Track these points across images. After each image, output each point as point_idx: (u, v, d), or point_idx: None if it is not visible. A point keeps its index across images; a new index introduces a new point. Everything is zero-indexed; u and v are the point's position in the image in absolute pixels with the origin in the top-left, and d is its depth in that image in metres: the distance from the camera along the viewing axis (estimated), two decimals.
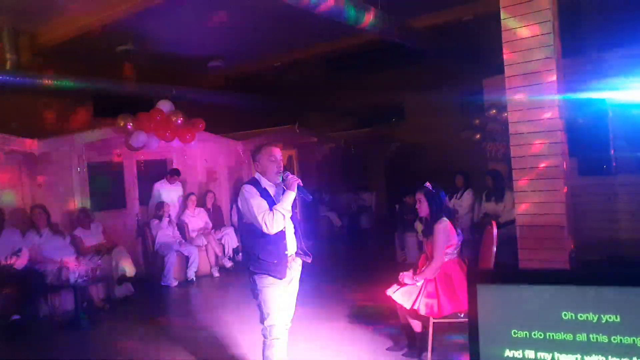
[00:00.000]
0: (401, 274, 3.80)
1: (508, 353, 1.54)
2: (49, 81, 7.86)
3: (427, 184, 3.82)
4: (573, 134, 4.16)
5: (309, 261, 3.25)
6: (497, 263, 3.67)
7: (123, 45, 8.82)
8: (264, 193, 3.06)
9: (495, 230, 3.67)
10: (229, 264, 7.84)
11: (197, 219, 7.86)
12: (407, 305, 3.59)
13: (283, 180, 3.11)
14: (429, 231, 3.75)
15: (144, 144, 7.12)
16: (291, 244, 3.13)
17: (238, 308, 5.47)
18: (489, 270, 3.31)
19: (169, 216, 7.42)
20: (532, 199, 3.82)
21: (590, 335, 1.47)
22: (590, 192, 5.44)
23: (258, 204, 2.97)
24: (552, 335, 1.51)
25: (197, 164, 8.61)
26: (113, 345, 4.71)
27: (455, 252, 3.72)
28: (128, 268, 6.29)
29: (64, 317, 5.62)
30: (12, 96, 8.51)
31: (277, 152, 3.16)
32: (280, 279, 3.03)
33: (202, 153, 8.61)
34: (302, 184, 3.10)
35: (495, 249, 3.60)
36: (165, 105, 7.49)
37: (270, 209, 2.97)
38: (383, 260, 7.53)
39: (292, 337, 3.34)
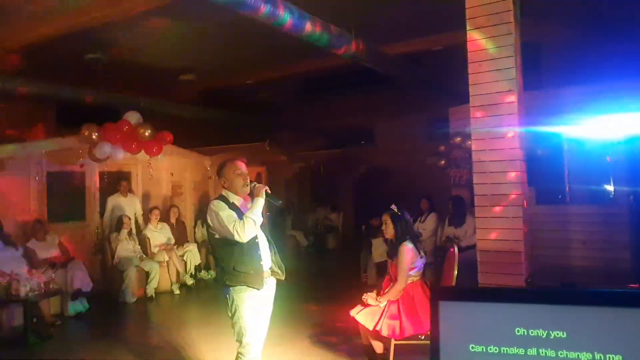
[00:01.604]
0: (365, 294, 3.83)
1: None
2: (12, 86, 7.63)
3: (393, 206, 3.89)
4: (532, 164, 4.33)
5: (282, 278, 3.23)
6: (458, 285, 3.73)
7: (92, 54, 8.69)
8: (232, 206, 3.06)
9: (456, 254, 3.75)
10: (190, 281, 7.68)
11: (159, 234, 7.70)
12: (370, 326, 3.61)
13: (250, 190, 3.11)
14: (393, 253, 3.80)
15: (108, 155, 6.97)
16: (265, 258, 3.12)
17: (198, 326, 5.37)
18: (452, 287, 3.40)
19: (130, 230, 7.24)
20: (493, 225, 3.94)
21: (540, 350, 1.58)
22: (546, 220, 5.65)
23: (228, 215, 2.97)
24: (506, 350, 1.61)
25: (163, 177, 8.47)
26: None
27: (419, 274, 3.78)
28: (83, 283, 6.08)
29: (11, 333, 5.34)
30: None
31: (242, 166, 3.17)
32: (258, 289, 3.01)
33: (168, 166, 8.48)
34: (269, 191, 3.11)
35: (456, 272, 3.68)
36: (132, 117, 7.37)
37: (241, 219, 2.97)
38: (348, 281, 7.55)
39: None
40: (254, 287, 3.00)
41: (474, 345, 1.62)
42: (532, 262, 4.02)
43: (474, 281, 3.94)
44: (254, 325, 3.03)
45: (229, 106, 11.47)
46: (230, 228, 2.92)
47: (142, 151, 7.30)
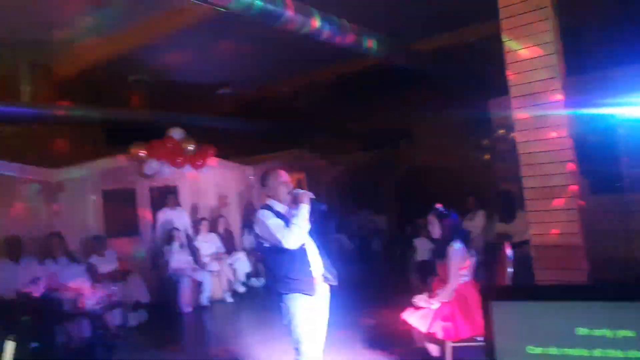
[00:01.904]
0: (415, 297, 3.80)
1: None
2: (64, 111, 8.06)
3: (438, 205, 3.84)
4: (583, 152, 4.17)
5: (335, 283, 3.25)
6: (514, 284, 3.64)
7: (135, 75, 9.06)
8: (278, 214, 3.12)
9: (508, 251, 3.66)
10: (241, 288, 7.84)
11: (209, 244, 7.89)
12: (423, 329, 3.57)
13: (294, 197, 3.16)
14: (442, 253, 3.75)
15: (156, 172, 7.23)
16: (315, 265, 3.15)
17: (253, 333, 5.46)
18: (503, 287, 3.31)
19: (181, 242, 7.47)
20: (544, 219, 3.82)
21: (606, 351, 1.48)
22: (603, 210, 5.40)
23: (275, 223, 3.02)
24: (568, 352, 1.52)
25: (209, 189, 8.69)
26: None
27: (470, 273, 3.72)
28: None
29: (80, 344, 5.63)
30: (28, 127, 8.74)
31: (284, 174, 3.25)
32: (311, 295, 3.04)
33: (213, 179, 8.70)
34: (313, 196, 3.15)
35: (510, 269, 3.59)
36: (177, 133, 7.63)
37: (287, 226, 3.02)
38: (396, 283, 7.48)
39: None
40: (306, 294, 3.03)
41: (531, 347, 1.54)
42: (592, 256, 3.87)
43: (529, 278, 3.83)
44: (311, 331, 3.05)
45: (265, 116, 11.65)
46: (278, 235, 2.97)
47: (188, 165, 7.55)
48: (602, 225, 5.18)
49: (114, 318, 6.04)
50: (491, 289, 2.12)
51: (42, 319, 5.30)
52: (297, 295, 3.03)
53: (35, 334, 5.18)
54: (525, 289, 1.82)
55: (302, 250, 3.07)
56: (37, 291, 5.44)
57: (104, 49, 7.65)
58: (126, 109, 9.17)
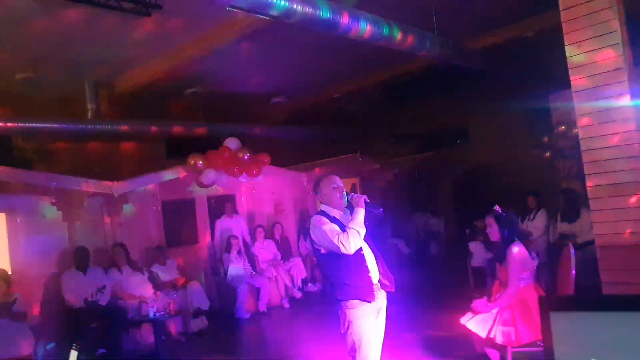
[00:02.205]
0: (475, 301, 3.67)
1: None
2: (125, 127, 8.48)
3: (496, 207, 3.70)
4: None
5: (393, 289, 3.16)
6: (578, 286, 3.45)
7: (191, 88, 9.40)
8: (333, 220, 3.07)
9: (572, 252, 3.46)
10: (298, 294, 7.90)
11: (266, 251, 8.02)
12: (483, 334, 3.45)
13: (349, 202, 3.11)
14: (502, 256, 3.60)
15: (213, 181, 7.45)
16: (372, 268, 3.07)
17: (311, 339, 5.48)
18: (563, 297, 3.11)
19: (239, 249, 7.63)
20: (610, 217, 3.58)
21: None
22: None
23: (331, 229, 2.97)
24: None
25: (264, 197, 8.85)
26: None
27: (531, 276, 3.55)
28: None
29: (145, 350, 5.88)
30: (92, 142, 9.28)
31: (338, 180, 3.18)
32: (370, 301, 2.96)
33: (268, 186, 8.84)
34: (368, 200, 3.08)
35: (574, 271, 3.39)
36: (232, 143, 7.83)
37: (343, 231, 2.96)
38: (455, 288, 7.27)
39: None
40: (365, 300, 2.96)
41: None
42: None
43: (594, 281, 3.60)
44: (368, 341, 2.97)
45: (319, 122, 11.72)
46: (335, 240, 2.91)
47: (244, 174, 7.72)
48: None
49: (176, 325, 6.26)
50: (551, 299, 1.97)
51: (109, 326, 5.57)
52: (355, 302, 2.96)
53: (102, 340, 5.46)
54: (588, 299, 1.67)
55: (359, 256, 3.00)
56: (103, 300, 5.73)
57: (161, 63, 8.00)
58: (183, 122, 9.52)
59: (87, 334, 5.52)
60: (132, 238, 6.90)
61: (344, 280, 2.96)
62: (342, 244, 2.89)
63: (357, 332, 2.96)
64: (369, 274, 3.01)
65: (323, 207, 3.18)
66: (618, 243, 3.50)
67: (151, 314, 5.57)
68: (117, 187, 6.79)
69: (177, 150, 9.66)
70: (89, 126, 8.58)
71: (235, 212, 8.22)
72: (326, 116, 12.02)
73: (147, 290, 6.17)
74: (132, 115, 9.28)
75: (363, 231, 2.99)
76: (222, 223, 7.92)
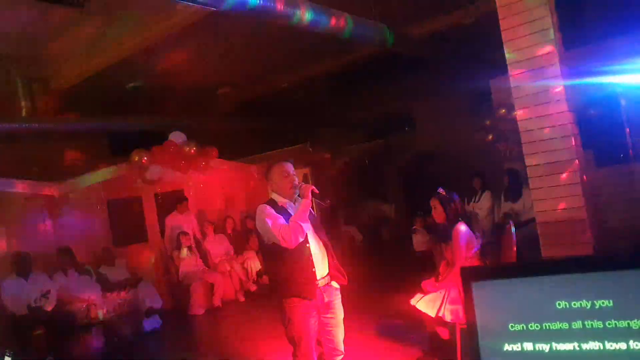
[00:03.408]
0: (423, 282, 3.77)
1: (507, 347, 1.54)
2: (63, 124, 8.08)
3: (440, 189, 3.80)
4: (585, 125, 4.10)
5: (345, 282, 3.07)
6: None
7: (133, 82, 9.05)
8: (280, 210, 2.96)
9: (513, 230, 3.62)
10: (253, 287, 7.85)
11: (218, 245, 7.91)
12: (432, 314, 3.56)
13: (299, 192, 3.01)
14: (447, 237, 3.71)
15: (159, 177, 7.24)
16: (320, 263, 2.97)
17: (266, 331, 5.46)
18: (482, 267, 3.27)
19: (190, 245, 7.48)
20: (548, 195, 3.77)
21: (585, 322, 1.47)
22: (610, 182, 5.33)
23: (273, 220, 2.86)
24: (548, 326, 1.51)
25: (214, 191, 8.70)
26: None
27: (477, 255, 3.68)
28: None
29: (95, 354, 5.67)
30: (29, 142, 8.78)
31: (289, 167, 3.07)
32: (311, 299, 2.88)
33: (218, 180, 8.70)
34: (317, 191, 2.95)
35: (515, 248, 3.55)
36: (177, 137, 7.63)
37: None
38: (406, 272, 7.45)
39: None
40: (305, 298, 2.87)
41: (513, 324, 1.53)
42: (598, 229, 3.82)
43: (538, 256, 3.79)
44: (308, 336, 2.91)
45: (267, 113, 11.61)
46: (277, 233, 2.81)
47: (191, 168, 7.55)
48: (609, 197, 5.12)
49: (128, 326, 6.08)
50: (470, 270, 2.10)
51: (56, 332, 5.35)
52: (295, 299, 2.89)
53: (49, 347, 5.24)
54: (504, 268, 1.82)
55: (305, 250, 2.89)
56: (48, 305, 5.49)
57: (100, 57, 7.64)
58: (126, 117, 9.16)
59: (32, 341, 5.27)
60: (77, 239, 6.64)
61: (285, 276, 2.88)
62: (283, 237, 2.79)
63: (297, 329, 2.90)
64: (313, 270, 2.91)
65: (273, 196, 3.07)
66: (556, 219, 3.69)
67: (100, 316, 5.41)
68: (57, 188, 6.48)
69: (121, 147, 9.29)
70: (24, 125, 8.10)
71: (186, 208, 8.05)
72: (274, 107, 11.92)
73: (96, 293, 5.96)
74: (71, 112, 8.83)
75: (307, 223, 2.90)
76: (172, 220, 7.74)
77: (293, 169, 3.10)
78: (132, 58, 7.66)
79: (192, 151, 7.52)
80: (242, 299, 7.54)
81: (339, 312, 3.08)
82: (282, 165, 3.08)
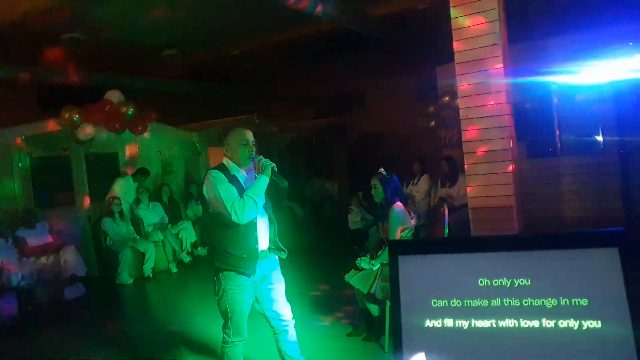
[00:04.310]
0: (358, 258, 3.81)
1: (428, 323, 1.57)
2: None
3: (381, 169, 3.83)
4: (521, 118, 4.25)
5: (284, 257, 2.99)
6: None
7: (70, 33, 8.42)
8: (233, 179, 2.79)
9: (447, 213, 3.71)
10: (187, 259, 7.68)
11: (152, 213, 7.64)
12: (364, 290, 3.61)
13: (255, 165, 2.86)
14: (384, 215, 3.75)
15: (91, 137, 6.83)
16: (263, 238, 2.87)
17: (196, 303, 5.37)
18: (409, 240, 3.34)
19: (121, 211, 7.16)
20: (482, 182, 3.90)
21: (504, 300, 1.52)
22: (538, 174, 5.62)
23: (226, 191, 2.70)
24: (469, 303, 1.55)
25: (152, 156, 8.36)
26: (60, 349, 4.45)
27: (411, 235, 3.75)
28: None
29: (7, 321, 5.32)
30: None
31: (249, 135, 2.89)
32: (249, 275, 2.78)
33: (155, 145, 8.35)
34: (276, 169, 2.85)
35: (447, 230, 3.64)
36: (114, 96, 7.20)
37: (241, 196, 2.71)
38: (345, 248, 7.56)
39: (250, 330, 3.07)
40: (244, 273, 2.77)
41: (435, 300, 1.56)
42: (525, 216, 4.00)
43: None
44: (242, 309, 2.85)
45: (216, 80, 11.25)
46: (228, 206, 2.65)
47: (127, 130, 7.17)
48: (537, 187, 5.41)
49: (47, 293, 5.76)
50: (398, 243, 2.12)
51: None
52: (233, 273, 2.78)
53: None
54: (431, 243, 1.84)
55: (250, 225, 2.76)
56: None
57: (32, 1, 7.03)
58: (58, 70, 8.54)
59: None
60: None
61: (225, 249, 2.76)
62: (235, 211, 2.65)
63: (231, 302, 2.82)
64: (256, 246, 2.81)
65: (225, 162, 2.88)
66: (487, 205, 3.83)
67: (14, 282, 5.08)
68: None
69: (51, 102, 8.68)
70: None
71: (123, 172, 7.68)
72: (223, 74, 11.57)
73: (11, 257, 5.56)
74: None
75: (262, 202, 2.78)
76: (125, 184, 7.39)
77: (253, 137, 2.92)
78: (70, 5, 7.11)
79: (130, 112, 7.12)
80: (173, 269, 7.35)
81: (280, 284, 3.02)
82: (241, 131, 2.89)
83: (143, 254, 7.01)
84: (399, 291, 1.58)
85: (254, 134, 2.96)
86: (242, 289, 2.82)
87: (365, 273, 3.71)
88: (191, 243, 7.95)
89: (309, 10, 5.95)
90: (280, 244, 3.00)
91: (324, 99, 12.69)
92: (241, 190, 2.75)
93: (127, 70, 9.45)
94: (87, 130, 6.65)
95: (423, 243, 1.91)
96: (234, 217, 2.67)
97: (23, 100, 9.05)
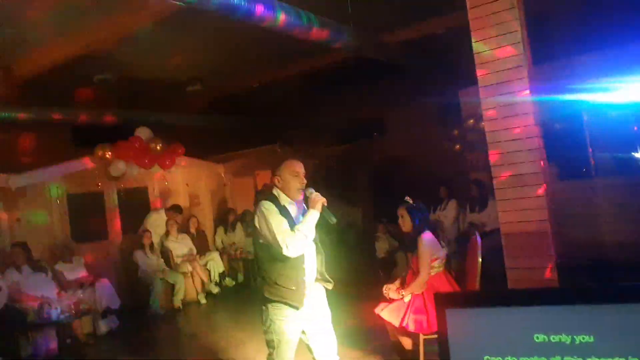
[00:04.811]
0: (385, 286, 3.73)
1: None
2: (25, 114, 7.76)
3: (407, 198, 3.80)
4: (551, 139, 4.19)
5: (330, 287, 2.97)
6: (486, 273, 3.64)
7: (100, 75, 8.76)
8: (284, 211, 2.79)
9: (479, 240, 3.65)
10: (215, 289, 7.71)
11: (181, 245, 7.74)
12: (396, 323, 3.53)
13: (306, 197, 2.86)
14: (413, 246, 3.71)
15: (123, 173, 7.03)
16: (310, 269, 2.87)
17: (227, 334, 5.37)
18: (458, 293, 3.24)
19: (151, 244, 7.28)
20: (513, 207, 3.82)
21: (565, 358, 1.40)
22: (571, 196, 5.47)
23: (278, 223, 2.71)
24: None
25: (179, 189, 8.51)
26: None
27: (442, 264, 3.69)
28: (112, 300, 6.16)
29: (47, 355, 5.43)
30: None
31: (300, 167, 2.90)
32: (297, 308, 2.77)
33: (183, 178, 8.52)
34: (325, 204, 2.83)
35: (480, 259, 3.58)
36: (143, 133, 7.43)
37: (292, 229, 2.72)
38: (372, 278, 7.46)
39: None
40: (292, 305, 2.76)
41: (489, 357, 1.45)
42: (560, 241, 3.90)
43: (501, 266, 3.83)
44: (288, 339, 2.83)
45: (237, 112, 11.47)
46: (279, 239, 2.66)
47: (156, 165, 7.36)
48: (571, 211, 5.24)
49: (83, 326, 5.85)
50: (445, 296, 2.03)
51: (5, 332, 5.09)
52: (281, 305, 2.78)
53: None
54: (481, 295, 1.72)
55: (299, 256, 2.76)
56: None
57: (66, 48, 7.36)
58: (91, 110, 8.88)
59: None
60: (33, 235, 6.35)
61: (275, 280, 2.75)
62: (287, 245, 2.66)
63: (278, 332, 2.81)
64: (304, 278, 2.80)
65: (275, 192, 2.89)
66: (521, 230, 3.74)
67: (54, 316, 5.19)
68: (14, 180, 6.19)
69: (85, 141, 8.99)
70: None
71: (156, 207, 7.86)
72: (244, 106, 11.80)
73: (51, 291, 5.71)
74: (34, 102, 8.48)
75: (312, 236, 2.78)
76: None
77: (303, 169, 2.93)
78: (100, 50, 7.44)
79: (158, 147, 7.33)
80: (203, 300, 7.38)
81: (326, 316, 2.99)
82: (293, 163, 2.92)
83: (173, 285, 7.09)
84: (449, 347, 1.50)
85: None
86: (290, 320, 2.81)
87: (396, 305, 3.63)
88: (219, 274, 7.99)
89: (327, 43, 6.07)
90: (326, 275, 2.99)
91: (344, 126, 12.76)
92: (292, 222, 2.77)
93: (155, 107, 9.74)
94: (119, 166, 6.86)
95: (471, 295, 1.81)
96: (284, 251, 2.68)
97: (59, 140, 9.40)
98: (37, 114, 8.30)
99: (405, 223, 3.73)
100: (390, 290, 3.67)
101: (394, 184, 10.24)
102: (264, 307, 2.85)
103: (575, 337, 1.39)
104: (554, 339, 1.41)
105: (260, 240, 2.81)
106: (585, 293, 1.44)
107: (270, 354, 2.88)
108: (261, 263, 2.87)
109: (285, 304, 2.77)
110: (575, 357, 1.39)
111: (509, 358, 1.45)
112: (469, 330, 1.49)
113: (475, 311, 1.51)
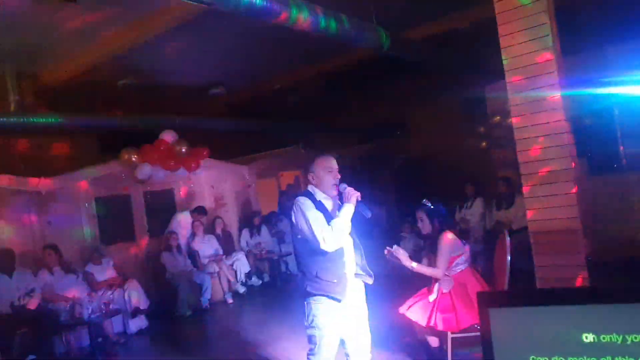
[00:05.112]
0: (395, 247, 3.57)
1: None
2: (52, 120, 7.94)
3: (426, 201, 3.75)
4: (580, 134, 4.06)
5: (370, 282, 3.00)
6: (513, 271, 3.56)
7: (124, 80, 8.93)
8: (320, 206, 2.84)
9: (507, 239, 3.58)
10: (242, 289, 7.76)
11: (207, 246, 7.81)
12: (423, 322, 3.49)
13: (340, 192, 2.89)
14: (434, 247, 3.64)
15: (149, 176, 7.14)
16: (350, 263, 2.91)
17: (256, 334, 5.39)
18: (501, 292, 3.17)
19: (178, 245, 7.38)
20: (543, 204, 3.73)
21: (616, 359, 1.35)
22: (603, 192, 5.31)
23: (315, 218, 2.75)
24: None
25: (204, 191, 8.60)
26: None
27: (467, 261, 3.63)
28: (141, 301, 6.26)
29: (79, 354, 5.57)
30: (17, 137, 8.62)
31: (333, 163, 2.94)
32: (340, 300, 2.80)
33: (208, 180, 8.61)
34: (360, 198, 2.87)
35: (509, 257, 3.50)
36: (168, 136, 7.53)
37: (329, 223, 2.75)
38: (395, 278, 7.40)
39: None
40: (334, 298, 2.79)
41: (535, 357, 1.40)
42: (591, 238, 3.79)
43: (529, 265, 3.75)
44: (330, 334, 2.84)
45: (260, 114, 11.53)
46: (317, 234, 2.71)
47: (181, 168, 7.45)
48: (602, 206, 5.09)
49: (114, 326, 5.98)
50: (488, 295, 1.96)
51: (39, 331, 5.23)
52: (324, 298, 2.81)
53: (32, 346, 5.12)
54: (525, 294, 1.65)
55: (339, 249, 2.81)
56: (32, 303, 5.37)
57: (90, 54, 7.53)
58: (116, 114, 9.05)
59: (15, 340, 5.15)
60: (64, 237, 6.50)
61: (316, 274, 2.79)
62: (325, 239, 2.70)
63: (320, 327, 2.83)
64: (345, 271, 2.84)
65: (310, 188, 2.93)
66: (549, 228, 3.65)
67: (85, 316, 5.31)
68: (44, 184, 6.35)
69: (111, 145, 9.16)
70: (12, 119, 7.94)
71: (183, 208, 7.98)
72: (267, 108, 11.85)
73: (82, 292, 5.87)
74: (60, 109, 8.69)
75: (348, 230, 2.82)
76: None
77: (336, 164, 2.96)
78: (123, 55, 7.56)
79: (183, 150, 7.43)
80: (230, 300, 7.44)
81: (363, 312, 3.03)
82: (327, 159, 2.95)
83: (200, 286, 7.16)
84: (492, 347, 1.45)
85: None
86: (332, 313, 2.83)
87: (422, 304, 3.59)
88: (245, 274, 8.04)
89: (348, 39, 6.02)
90: (368, 268, 3.01)
91: (367, 125, 12.69)
92: (327, 217, 2.80)
93: (179, 111, 9.86)
94: (145, 170, 6.97)
95: (515, 294, 1.74)
96: (322, 245, 2.72)
97: (86, 145, 9.62)
98: (64, 120, 8.50)
99: (425, 225, 3.69)
100: (400, 254, 3.53)
101: (419, 182, 10.14)
102: (305, 302, 2.88)
103: (627, 336, 1.33)
104: (604, 338, 1.36)
105: (299, 236, 2.85)
106: (636, 291, 1.38)
107: (311, 349, 2.89)
108: (301, 258, 2.91)
109: (327, 297, 2.80)
110: (627, 357, 1.33)
111: (556, 358, 1.39)
112: (514, 329, 1.44)
113: (520, 310, 1.46)
